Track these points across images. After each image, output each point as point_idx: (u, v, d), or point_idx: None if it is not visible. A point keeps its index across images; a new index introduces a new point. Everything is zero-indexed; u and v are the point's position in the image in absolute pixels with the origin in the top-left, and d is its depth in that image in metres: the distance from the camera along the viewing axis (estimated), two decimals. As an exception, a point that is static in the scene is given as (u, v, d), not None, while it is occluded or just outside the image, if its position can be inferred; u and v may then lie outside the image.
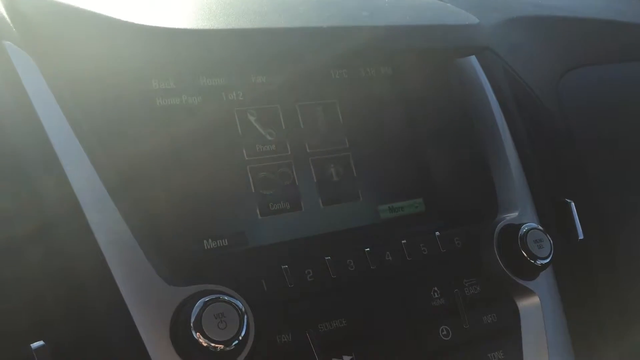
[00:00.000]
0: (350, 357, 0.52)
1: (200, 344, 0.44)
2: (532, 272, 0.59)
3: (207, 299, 0.45)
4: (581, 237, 0.66)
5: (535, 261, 0.58)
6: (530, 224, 0.59)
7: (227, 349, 0.44)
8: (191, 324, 0.44)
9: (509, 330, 0.58)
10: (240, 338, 0.45)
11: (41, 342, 0.43)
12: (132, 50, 0.52)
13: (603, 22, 0.93)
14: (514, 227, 0.59)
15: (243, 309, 0.46)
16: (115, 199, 0.49)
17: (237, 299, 0.46)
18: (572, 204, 0.67)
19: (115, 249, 0.47)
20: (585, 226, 0.67)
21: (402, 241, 0.57)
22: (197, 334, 0.44)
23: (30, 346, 0.43)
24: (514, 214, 0.62)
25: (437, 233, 0.58)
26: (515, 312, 0.59)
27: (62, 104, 0.50)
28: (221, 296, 0.46)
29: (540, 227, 0.59)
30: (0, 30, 0.51)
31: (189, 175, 0.57)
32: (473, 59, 0.70)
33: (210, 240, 0.56)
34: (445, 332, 0.56)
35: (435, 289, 0.57)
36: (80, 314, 0.45)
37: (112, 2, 0.53)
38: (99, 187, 0.49)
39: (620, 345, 0.68)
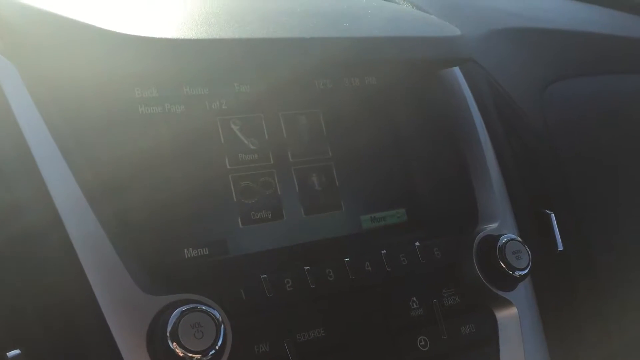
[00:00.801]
0: (327, 367, 0.52)
1: (177, 354, 0.44)
2: (510, 283, 0.59)
3: (184, 308, 0.45)
4: (561, 248, 0.67)
5: (513, 272, 0.58)
6: (509, 235, 0.60)
7: (204, 358, 0.45)
8: (167, 334, 0.44)
9: (487, 340, 0.59)
10: (217, 348, 0.45)
11: (17, 351, 0.43)
12: (115, 58, 0.52)
13: (586, 35, 0.94)
14: (492, 238, 0.60)
15: (220, 319, 0.46)
16: (93, 206, 0.49)
17: (214, 309, 0.47)
18: (553, 215, 0.68)
19: (92, 257, 0.47)
20: (565, 237, 0.68)
21: (382, 251, 0.57)
22: (174, 343, 0.44)
23: (7, 355, 0.43)
24: (494, 225, 0.62)
25: (417, 244, 0.59)
26: (494, 323, 0.59)
27: (42, 111, 0.50)
28: (198, 306, 0.46)
29: (518, 239, 0.59)
30: (-17, 37, 0.52)
31: (170, 184, 0.57)
32: (456, 70, 0.71)
33: (190, 249, 0.56)
34: (423, 343, 0.56)
35: (414, 299, 0.57)
36: (57, 322, 0.46)
37: (96, 11, 0.53)
38: (77, 195, 0.49)
39: (597, 356, 0.69)
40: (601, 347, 0.69)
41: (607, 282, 0.72)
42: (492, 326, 0.59)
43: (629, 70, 0.91)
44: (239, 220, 0.59)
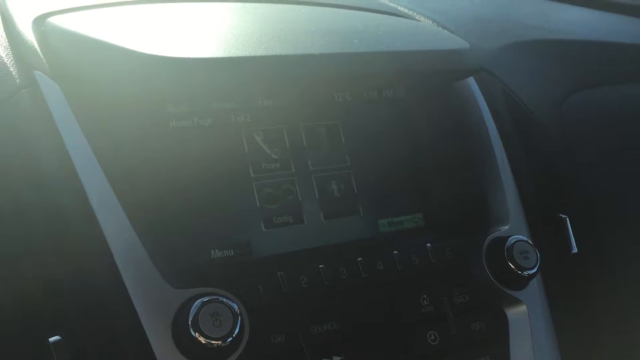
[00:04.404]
0: (340, 358, 0.55)
1: (198, 340, 0.49)
2: (519, 282, 0.62)
3: (205, 299, 0.50)
4: (575, 250, 0.69)
5: (522, 272, 0.61)
6: (517, 236, 0.62)
7: (222, 345, 0.49)
8: (189, 322, 0.49)
9: (497, 337, 0.61)
10: (234, 336, 0.49)
11: (58, 337, 0.49)
12: (149, 78, 0.57)
13: (607, 45, 0.95)
14: (501, 240, 0.62)
15: (237, 310, 0.51)
16: (128, 212, 0.54)
17: (232, 301, 0.51)
18: (567, 219, 0.70)
19: (125, 256, 0.52)
20: (580, 241, 0.70)
21: (394, 252, 0.60)
22: (194, 330, 0.49)
23: (49, 340, 0.49)
24: (505, 228, 0.65)
25: (429, 245, 0.62)
26: (504, 320, 0.62)
27: (82, 125, 0.56)
28: (219, 298, 0.51)
29: (526, 239, 0.62)
30: (33, 61, 0.58)
31: (199, 190, 0.62)
32: (472, 81, 0.74)
33: (217, 250, 0.61)
34: (432, 337, 0.59)
35: (425, 296, 0.60)
36: (93, 313, 0.51)
37: (131, 35, 0.59)
38: (114, 202, 0.54)
39: (609, 353, 0.70)
40: (615, 347, 0.71)
41: (623, 284, 0.73)
42: (502, 323, 0.62)
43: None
44: (262, 224, 0.63)
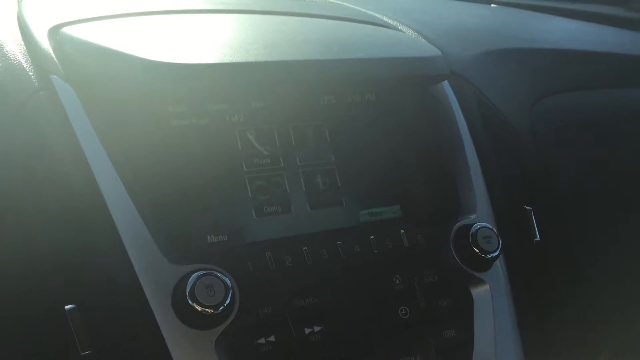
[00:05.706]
0: (320, 327, 0.63)
1: (194, 308, 0.56)
2: (483, 264, 0.69)
3: (201, 273, 0.57)
4: (537, 238, 0.76)
5: (485, 255, 0.68)
6: (481, 224, 0.69)
7: (215, 312, 0.56)
8: (187, 292, 0.56)
9: (462, 312, 0.68)
10: (226, 305, 0.57)
11: (73, 305, 0.56)
12: (151, 81, 0.64)
13: (578, 53, 1.02)
14: (467, 226, 0.69)
15: (229, 283, 0.58)
16: (134, 200, 0.61)
17: (225, 275, 0.58)
18: (531, 210, 0.77)
19: (132, 239, 0.59)
20: (543, 230, 0.77)
21: (371, 237, 0.67)
22: (191, 300, 0.56)
23: (65, 308, 0.56)
24: (472, 217, 0.72)
25: (402, 231, 0.69)
26: (469, 298, 0.69)
27: (94, 123, 0.63)
28: (213, 272, 0.58)
29: (489, 226, 0.69)
30: (49, 67, 0.66)
31: (196, 183, 0.68)
32: (446, 85, 0.81)
33: (212, 235, 0.68)
34: (404, 312, 0.66)
35: (397, 276, 0.67)
36: (102, 286, 0.58)
37: (136, 43, 0.66)
38: (122, 192, 0.61)
39: (564, 329, 0.77)
40: (570, 324, 0.78)
41: (580, 267, 0.80)
42: (467, 300, 0.68)
43: (617, 85, 1.00)
44: (254, 213, 0.70)
